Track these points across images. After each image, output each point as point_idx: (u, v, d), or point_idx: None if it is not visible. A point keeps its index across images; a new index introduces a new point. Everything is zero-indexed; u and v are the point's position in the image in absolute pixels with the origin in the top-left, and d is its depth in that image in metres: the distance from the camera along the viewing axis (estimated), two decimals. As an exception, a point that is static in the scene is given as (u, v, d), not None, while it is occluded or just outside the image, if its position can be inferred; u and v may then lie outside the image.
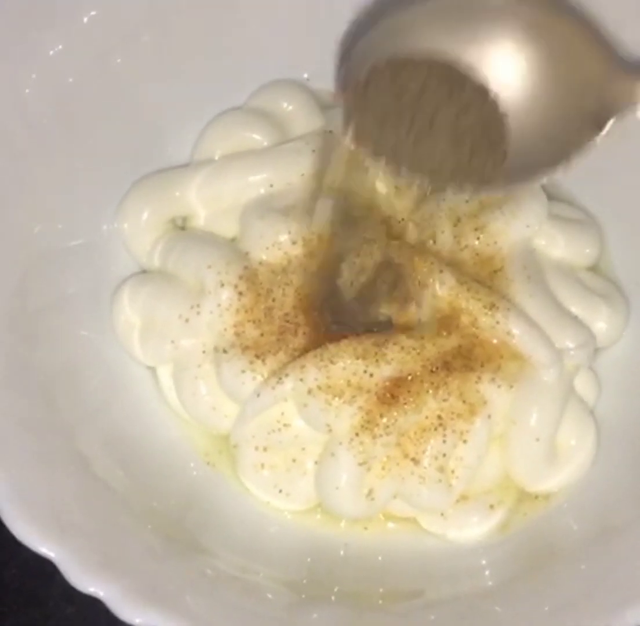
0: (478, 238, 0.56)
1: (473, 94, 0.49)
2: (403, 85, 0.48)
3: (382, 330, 0.53)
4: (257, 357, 0.53)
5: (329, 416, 0.51)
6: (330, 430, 0.52)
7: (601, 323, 0.56)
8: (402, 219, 0.56)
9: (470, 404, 0.52)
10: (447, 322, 0.53)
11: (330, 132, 0.56)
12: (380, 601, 0.50)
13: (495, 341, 0.53)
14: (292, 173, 0.56)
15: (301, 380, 0.51)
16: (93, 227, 0.57)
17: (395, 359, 0.51)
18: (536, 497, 0.54)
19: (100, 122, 0.56)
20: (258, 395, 0.52)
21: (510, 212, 0.56)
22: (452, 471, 0.52)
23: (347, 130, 0.49)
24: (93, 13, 0.53)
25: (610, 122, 0.48)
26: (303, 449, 0.53)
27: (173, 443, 0.55)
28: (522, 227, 0.57)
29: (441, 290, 0.53)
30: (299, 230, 0.54)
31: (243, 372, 0.53)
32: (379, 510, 0.53)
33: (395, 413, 0.51)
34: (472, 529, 0.53)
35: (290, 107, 0.60)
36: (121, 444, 0.53)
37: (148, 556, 0.46)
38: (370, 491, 0.52)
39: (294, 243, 0.54)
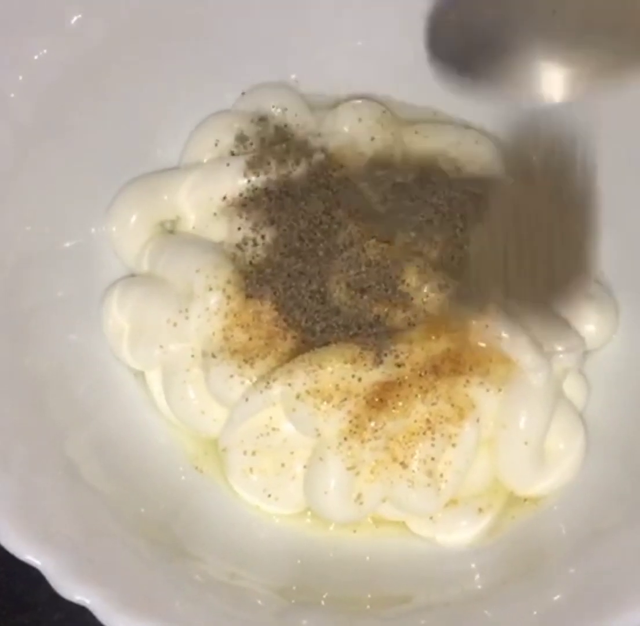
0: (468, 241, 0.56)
1: None
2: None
3: (370, 334, 0.53)
4: (246, 361, 0.53)
5: (318, 420, 0.51)
6: (319, 435, 0.52)
7: (590, 326, 0.56)
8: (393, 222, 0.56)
9: (459, 408, 0.52)
10: (435, 325, 0.53)
11: None
12: (368, 607, 0.49)
13: (483, 345, 0.53)
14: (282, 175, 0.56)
15: (289, 384, 0.51)
16: (81, 231, 0.57)
17: (384, 363, 0.51)
18: (525, 501, 0.54)
19: (88, 126, 0.56)
20: (246, 400, 0.52)
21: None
22: (441, 475, 0.52)
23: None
24: (78, 16, 0.53)
25: None
26: (292, 453, 0.53)
27: (161, 448, 0.55)
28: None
29: (430, 294, 0.53)
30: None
31: (231, 376, 0.52)
32: (367, 514, 0.53)
33: (384, 417, 0.51)
34: (461, 533, 0.53)
35: (279, 109, 0.60)
36: (109, 449, 0.53)
37: (136, 563, 0.46)
38: (359, 496, 0.52)
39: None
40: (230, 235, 0.56)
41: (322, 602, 0.49)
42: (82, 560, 0.43)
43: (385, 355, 0.51)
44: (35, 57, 0.52)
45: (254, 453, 0.53)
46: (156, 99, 0.58)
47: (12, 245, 0.53)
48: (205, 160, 0.59)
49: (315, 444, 0.52)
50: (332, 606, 0.49)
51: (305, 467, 0.53)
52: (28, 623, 0.56)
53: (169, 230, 0.58)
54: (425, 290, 0.53)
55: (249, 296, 0.53)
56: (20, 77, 0.52)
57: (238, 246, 0.55)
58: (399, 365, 0.51)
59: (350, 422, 0.51)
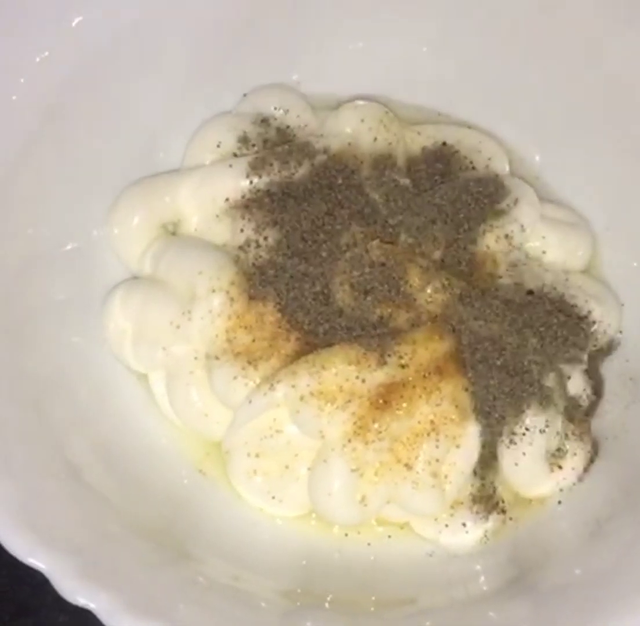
0: (471, 242, 0.56)
1: None
2: None
3: (374, 335, 0.53)
4: (249, 363, 0.52)
5: (322, 422, 0.51)
6: (322, 436, 0.51)
7: (594, 325, 0.56)
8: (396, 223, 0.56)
9: (463, 409, 0.52)
10: (439, 326, 0.53)
11: None
12: (372, 609, 0.49)
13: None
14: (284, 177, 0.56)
15: (293, 386, 0.51)
16: (83, 233, 0.57)
17: (388, 364, 0.51)
18: (531, 502, 0.54)
19: (89, 128, 0.56)
20: (250, 402, 0.52)
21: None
22: (445, 476, 0.52)
23: None
24: (79, 19, 0.53)
25: None
26: (296, 455, 0.53)
27: (164, 450, 0.55)
28: (516, 229, 0.57)
29: (433, 294, 0.53)
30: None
31: (235, 378, 0.52)
32: (372, 515, 0.53)
33: (388, 419, 0.51)
34: (465, 534, 0.53)
35: (281, 110, 0.60)
36: (112, 452, 0.53)
37: (139, 565, 0.46)
38: (363, 497, 0.51)
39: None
40: (232, 236, 0.56)
41: (326, 604, 0.49)
42: (86, 563, 0.43)
43: (389, 356, 0.51)
44: (37, 60, 0.52)
45: (257, 455, 0.53)
46: (157, 101, 0.58)
47: (13, 248, 0.53)
48: (207, 162, 0.59)
49: (319, 446, 0.52)
50: (336, 608, 0.49)
51: (309, 468, 0.53)
52: (32, 627, 0.56)
53: (171, 232, 0.58)
54: (428, 291, 0.53)
55: (252, 298, 0.53)
56: (22, 80, 0.52)
57: (241, 248, 0.55)
58: (402, 366, 0.51)
59: (354, 423, 0.51)
